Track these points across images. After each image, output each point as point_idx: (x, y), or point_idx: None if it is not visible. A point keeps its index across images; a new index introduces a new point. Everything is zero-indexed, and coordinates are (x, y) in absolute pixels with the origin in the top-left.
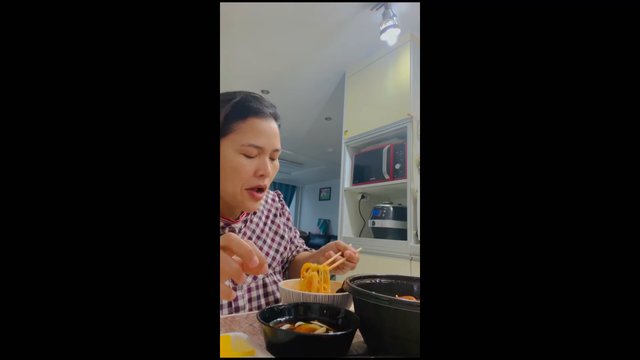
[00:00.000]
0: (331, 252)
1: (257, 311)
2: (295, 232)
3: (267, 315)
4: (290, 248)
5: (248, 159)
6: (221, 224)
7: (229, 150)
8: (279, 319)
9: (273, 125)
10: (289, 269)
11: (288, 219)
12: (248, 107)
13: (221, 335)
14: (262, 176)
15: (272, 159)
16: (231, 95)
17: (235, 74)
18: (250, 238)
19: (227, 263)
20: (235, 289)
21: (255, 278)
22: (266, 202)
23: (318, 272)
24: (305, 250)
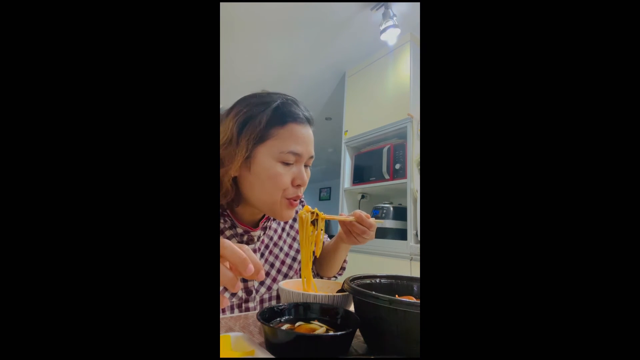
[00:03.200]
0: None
1: (256, 311)
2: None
3: (267, 315)
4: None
5: (285, 168)
6: (240, 230)
7: (267, 158)
8: (279, 319)
9: (309, 131)
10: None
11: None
12: (287, 112)
13: (221, 335)
14: (299, 186)
15: (306, 166)
16: (267, 97)
17: (235, 75)
18: (267, 246)
19: (221, 272)
20: (247, 300)
21: (269, 289)
22: None
23: (313, 214)
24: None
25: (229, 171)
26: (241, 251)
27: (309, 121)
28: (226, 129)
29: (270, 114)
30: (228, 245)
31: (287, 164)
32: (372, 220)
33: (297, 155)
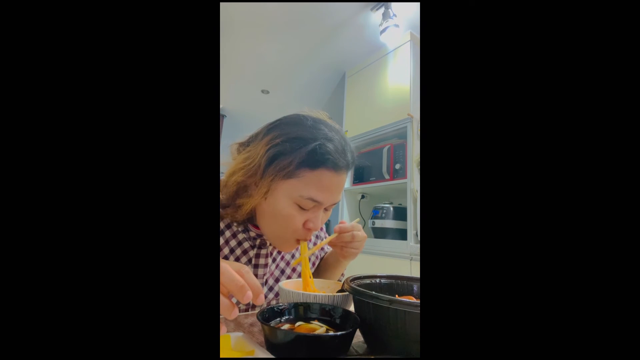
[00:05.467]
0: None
1: (256, 311)
2: (325, 235)
3: (267, 315)
4: (317, 260)
5: (300, 211)
6: (253, 234)
7: (284, 196)
8: (279, 319)
9: (341, 178)
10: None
11: (321, 229)
12: (323, 157)
13: (221, 335)
14: (310, 230)
15: (326, 210)
16: (309, 131)
17: (235, 74)
18: (279, 251)
19: None
20: (255, 307)
21: (277, 295)
22: None
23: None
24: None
25: (251, 202)
26: (239, 277)
27: (347, 167)
28: (256, 155)
29: (303, 156)
30: (225, 271)
31: (303, 208)
32: (352, 223)
33: (317, 202)
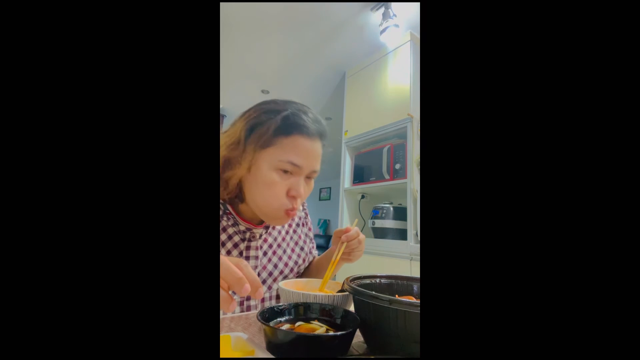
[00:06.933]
0: (333, 247)
1: (257, 311)
2: (312, 243)
3: (267, 315)
4: (307, 259)
5: (282, 176)
6: (242, 228)
7: (266, 165)
8: (279, 319)
9: (317, 145)
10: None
11: (310, 229)
12: (295, 123)
13: (221, 335)
14: (294, 197)
15: (309, 177)
16: (280, 105)
17: (235, 74)
18: (270, 246)
19: None
20: (249, 298)
21: (269, 288)
22: None
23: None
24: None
25: (236, 174)
26: (237, 269)
27: (319, 135)
28: (235, 131)
29: (278, 122)
30: (224, 264)
31: (284, 172)
32: (354, 228)
33: (296, 166)
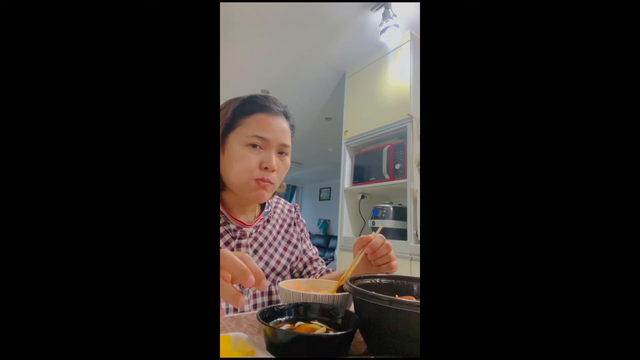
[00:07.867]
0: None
1: (257, 311)
2: (310, 245)
3: (267, 315)
4: (302, 258)
5: (253, 151)
6: (233, 226)
7: (235, 143)
8: (279, 319)
9: (281, 121)
10: None
11: (302, 230)
12: (255, 103)
13: (221, 335)
14: (267, 169)
15: (281, 153)
16: (244, 96)
17: (235, 74)
18: (261, 244)
19: (223, 288)
20: (241, 292)
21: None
22: (282, 211)
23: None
24: (327, 271)
25: None
26: (241, 262)
27: (283, 114)
28: None
29: (237, 104)
30: (228, 256)
31: (254, 146)
32: (376, 235)
33: (263, 139)
